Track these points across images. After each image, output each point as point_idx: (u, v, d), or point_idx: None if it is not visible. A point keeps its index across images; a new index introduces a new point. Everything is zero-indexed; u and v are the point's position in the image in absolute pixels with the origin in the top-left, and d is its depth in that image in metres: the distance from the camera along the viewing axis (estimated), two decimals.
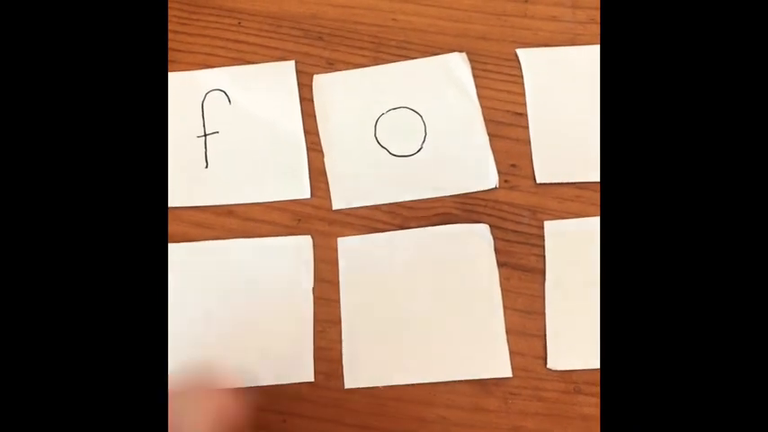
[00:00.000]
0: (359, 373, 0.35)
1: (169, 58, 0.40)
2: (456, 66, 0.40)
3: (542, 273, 0.36)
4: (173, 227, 0.37)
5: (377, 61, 0.40)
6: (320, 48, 0.41)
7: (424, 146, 0.39)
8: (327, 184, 0.38)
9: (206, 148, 0.39)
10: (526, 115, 0.39)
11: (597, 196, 0.37)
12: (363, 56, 0.41)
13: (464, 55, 0.40)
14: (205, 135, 0.40)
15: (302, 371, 0.35)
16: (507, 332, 0.35)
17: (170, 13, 0.41)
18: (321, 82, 0.40)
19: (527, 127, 0.39)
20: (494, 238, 0.37)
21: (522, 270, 0.36)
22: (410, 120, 0.39)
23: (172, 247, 0.37)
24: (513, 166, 0.38)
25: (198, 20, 0.42)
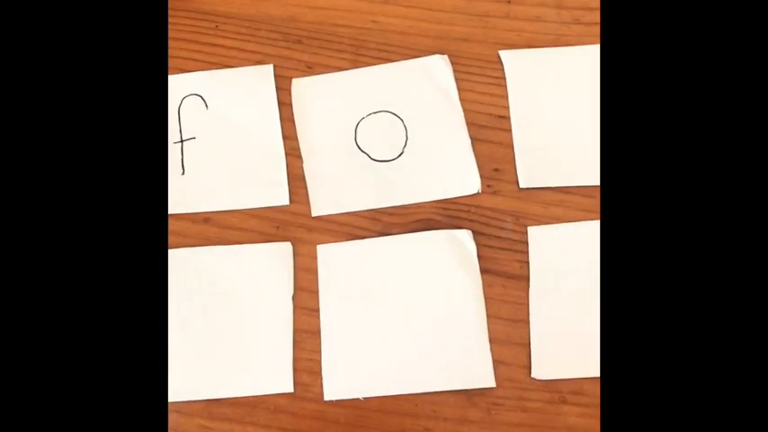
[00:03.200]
0: (339, 384, 0.34)
1: None
2: (437, 68, 0.39)
3: (526, 279, 0.35)
4: None
5: (356, 64, 0.39)
6: (299, 51, 0.40)
7: (405, 150, 0.38)
8: (307, 189, 0.37)
9: (182, 154, 0.38)
10: (509, 118, 0.38)
11: (582, 200, 0.37)
12: (343, 59, 0.40)
13: (446, 57, 0.39)
14: (182, 141, 0.39)
15: (281, 382, 0.34)
16: (491, 341, 0.34)
17: None
18: (300, 86, 0.39)
19: (510, 130, 0.38)
20: (476, 245, 0.36)
21: (505, 277, 0.36)
22: (391, 124, 0.38)
23: None
24: (495, 170, 0.37)
25: (175, 23, 0.41)
